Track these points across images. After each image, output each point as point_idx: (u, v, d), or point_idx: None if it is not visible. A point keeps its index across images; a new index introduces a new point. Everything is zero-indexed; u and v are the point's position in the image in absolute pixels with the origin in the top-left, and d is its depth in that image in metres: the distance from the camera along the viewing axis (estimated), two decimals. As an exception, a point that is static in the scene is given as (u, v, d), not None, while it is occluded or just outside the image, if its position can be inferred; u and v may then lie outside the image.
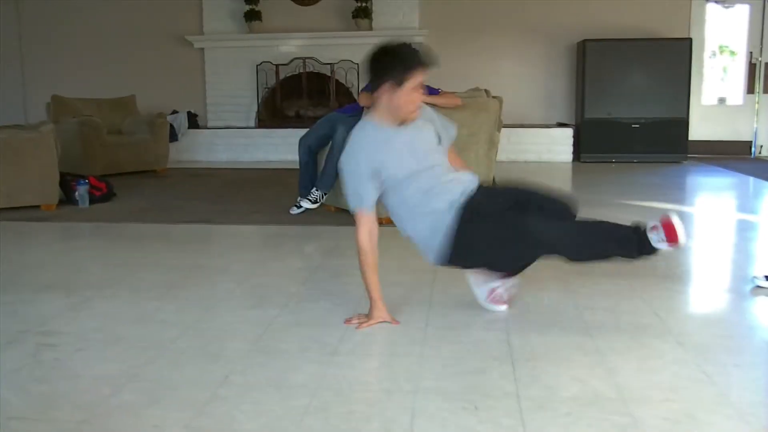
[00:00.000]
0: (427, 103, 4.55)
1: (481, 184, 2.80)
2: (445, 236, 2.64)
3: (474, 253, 2.69)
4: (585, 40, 8.64)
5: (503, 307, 2.85)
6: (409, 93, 2.61)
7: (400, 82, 2.59)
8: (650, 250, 2.50)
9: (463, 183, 2.75)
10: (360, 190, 2.67)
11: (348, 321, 2.72)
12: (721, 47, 9.60)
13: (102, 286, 3.31)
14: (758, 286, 3.17)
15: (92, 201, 5.64)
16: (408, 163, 2.69)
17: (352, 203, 2.69)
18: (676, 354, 2.41)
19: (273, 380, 2.19)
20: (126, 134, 7.98)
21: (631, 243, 2.52)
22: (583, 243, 2.59)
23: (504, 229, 2.60)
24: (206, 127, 9.50)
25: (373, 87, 2.70)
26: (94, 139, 7.20)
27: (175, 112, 9.27)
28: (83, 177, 5.78)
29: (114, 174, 7.07)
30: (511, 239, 2.60)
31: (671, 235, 2.44)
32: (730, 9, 9.22)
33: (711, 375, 2.22)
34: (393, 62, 2.61)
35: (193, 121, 9.38)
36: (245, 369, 2.28)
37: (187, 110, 9.38)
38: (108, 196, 5.84)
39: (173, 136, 8.69)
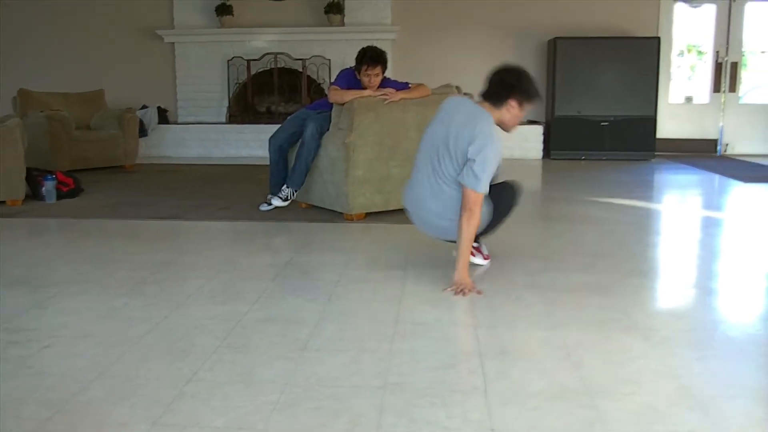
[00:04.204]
0: (402, 98, 4.63)
1: None
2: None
3: None
4: (556, 38, 8.70)
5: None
6: (518, 115, 3.16)
7: (520, 104, 3.14)
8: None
9: None
10: (490, 176, 3.11)
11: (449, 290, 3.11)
12: (688, 46, 9.73)
13: (69, 282, 3.27)
14: None
15: (59, 197, 5.57)
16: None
17: (483, 188, 3.07)
18: (641, 348, 2.45)
19: (242, 376, 2.19)
20: (94, 129, 7.88)
21: None
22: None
23: None
24: (176, 123, 9.42)
25: (502, 100, 3.14)
26: (61, 133, 7.10)
27: (144, 107, 9.18)
28: (50, 172, 5.71)
29: (82, 169, 7.00)
30: None
31: None
32: (698, 9, 9.34)
33: (674, 368, 2.26)
34: (523, 86, 3.15)
35: (163, 116, 9.29)
36: (214, 365, 2.27)
37: (157, 105, 9.29)
38: (75, 191, 5.77)
39: (143, 132, 8.60)
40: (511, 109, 3.15)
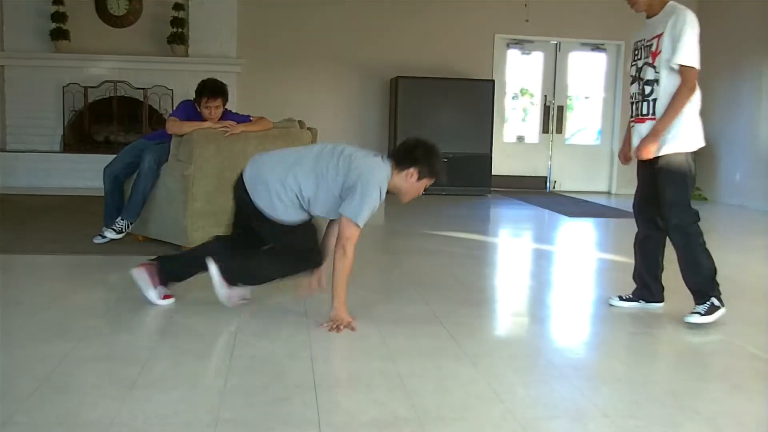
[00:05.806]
0: (243, 131, 4.56)
1: None
2: None
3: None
4: (398, 77, 9.00)
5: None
6: (419, 188, 3.17)
7: (420, 175, 3.12)
8: None
9: None
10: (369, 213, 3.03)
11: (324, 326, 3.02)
12: (522, 90, 10.37)
13: None
14: (612, 305, 3.55)
15: None
16: None
17: (362, 222, 3.00)
18: (469, 375, 2.56)
19: (62, 418, 2.07)
20: None
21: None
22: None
23: None
24: (4, 150, 8.84)
25: (404, 165, 3.11)
26: None
27: (-33, 133, 8.57)
28: None
29: None
30: None
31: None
32: (528, 55, 9.99)
33: (500, 393, 2.38)
34: (429, 161, 3.12)
35: (-11, 144, 8.71)
36: (32, 407, 2.14)
37: (-18, 131, 8.70)
38: None
39: (-35, 159, 8.01)
40: (410, 178, 3.11)
